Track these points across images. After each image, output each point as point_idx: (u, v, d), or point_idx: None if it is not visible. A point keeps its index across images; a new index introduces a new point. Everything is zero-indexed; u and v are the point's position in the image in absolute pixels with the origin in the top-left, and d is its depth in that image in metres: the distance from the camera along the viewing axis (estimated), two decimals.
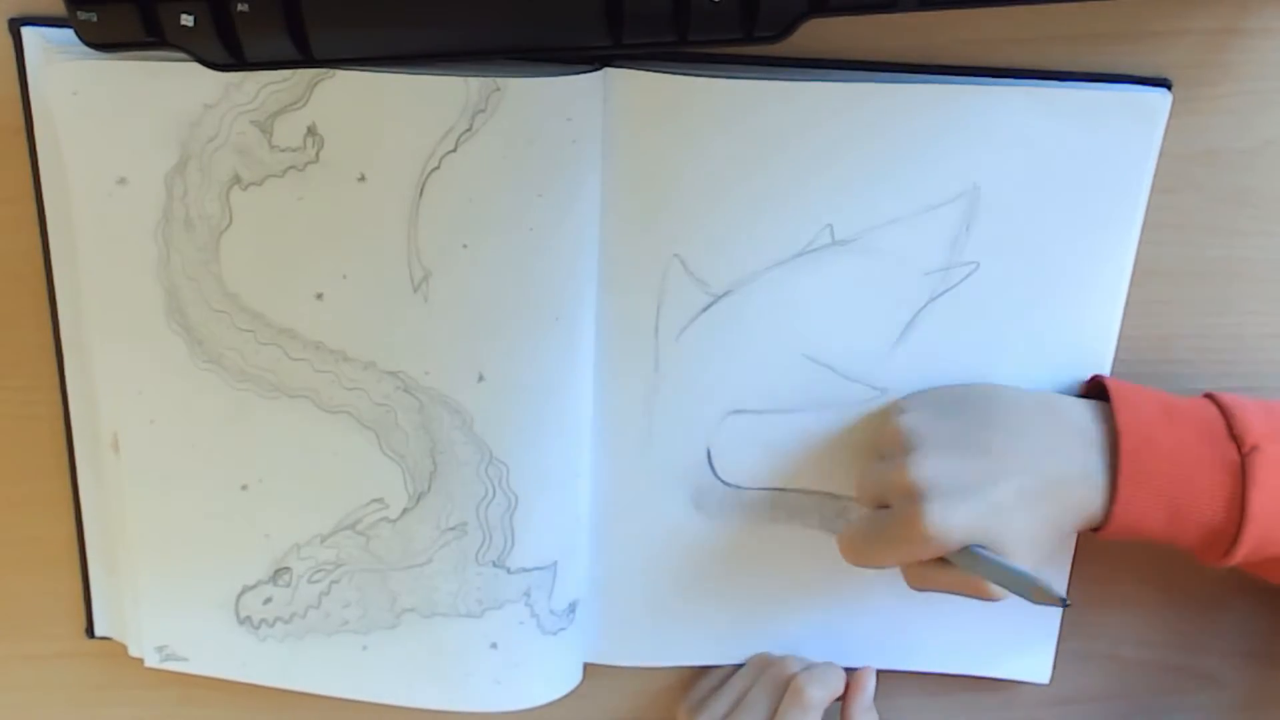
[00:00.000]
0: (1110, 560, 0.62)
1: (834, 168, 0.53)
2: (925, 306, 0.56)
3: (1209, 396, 0.53)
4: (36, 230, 0.55)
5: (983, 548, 0.50)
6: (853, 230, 0.54)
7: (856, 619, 0.62)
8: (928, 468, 0.51)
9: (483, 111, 0.50)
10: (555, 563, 0.59)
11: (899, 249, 0.54)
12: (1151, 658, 0.65)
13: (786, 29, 0.47)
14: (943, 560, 0.52)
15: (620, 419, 0.58)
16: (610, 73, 0.51)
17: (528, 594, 0.59)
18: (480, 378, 0.55)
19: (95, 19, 0.47)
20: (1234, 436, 0.51)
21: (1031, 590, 0.49)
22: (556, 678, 0.62)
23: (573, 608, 0.61)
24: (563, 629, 0.60)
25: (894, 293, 0.55)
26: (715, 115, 0.52)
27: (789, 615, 0.62)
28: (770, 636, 0.62)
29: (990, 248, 0.55)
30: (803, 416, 0.58)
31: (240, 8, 0.46)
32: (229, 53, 0.47)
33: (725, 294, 0.55)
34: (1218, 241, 0.56)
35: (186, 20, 0.46)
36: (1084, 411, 0.53)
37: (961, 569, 0.51)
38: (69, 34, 0.49)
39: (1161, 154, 0.53)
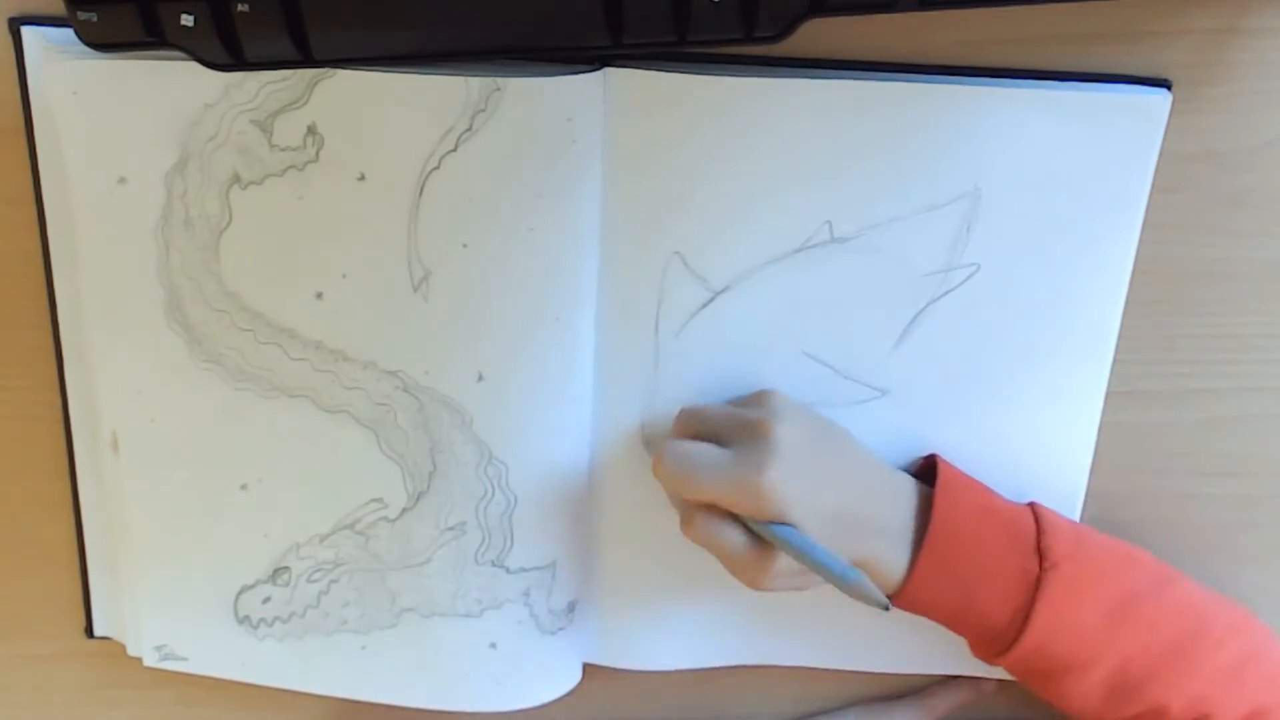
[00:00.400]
0: None
1: (833, 166, 0.53)
2: (925, 308, 0.56)
3: (1031, 506, 0.56)
4: (36, 230, 0.55)
5: (798, 532, 0.51)
6: (852, 228, 0.54)
7: (856, 621, 0.61)
8: (793, 435, 0.52)
9: (483, 111, 0.50)
10: (554, 562, 0.59)
11: (899, 248, 0.54)
12: None
13: (786, 29, 0.47)
14: (733, 522, 0.52)
15: (620, 417, 0.58)
16: (610, 72, 0.51)
17: (527, 594, 0.59)
18: (480, 377, 0.55)
19: (95, 19, 0.47)
20: (1039, 550, 0.53)
21: (852, 587, 0.49)
22: (555, 677, 0.62)
23: (572, 607, 0.61)
24: (562, 628, 0.60)
25: (894, 293, 0.55)
26: (715, 113, 0.52)
27: (788, 617, 0.62)
28: (769, 638, 0.62)
29: (991, 249, 0.55)
30: None
31: (240, 8, 0.46)
32: (229, 53, 0.47)
33: (725, 289, 0.55)
34: (1218, 241, 0.56)
35: (186, 20, 0.46)
36: (909, 486, 0.55)
37: (772, 540, 0.51)
38: (69, 33, 0.49)
39: (1161, 154, 0.53)
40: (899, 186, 0.53)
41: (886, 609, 0.49)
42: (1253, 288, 0.57)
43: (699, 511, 0.53)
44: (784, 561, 0.51)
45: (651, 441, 0.58)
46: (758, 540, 0.52)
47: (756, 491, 0.50)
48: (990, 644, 0.55)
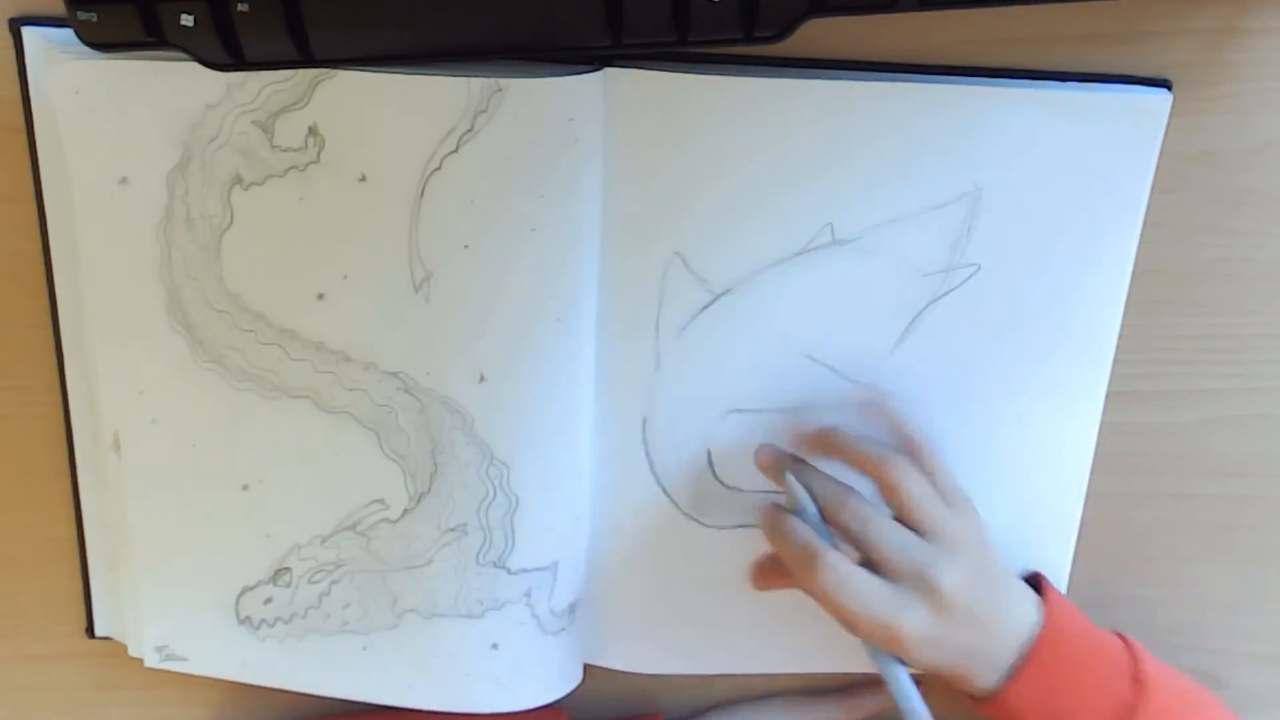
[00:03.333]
0: (1111, 561, 0.62)
1: (834, 167, 0.53)
2: (926, 308, 0.56)
3: (1120, 634, 0.57)
4: (37, 230, 0.55)
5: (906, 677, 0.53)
6: (853, 230, 0.54)
7: None
8: (957, 586, 0.52)
9: (484, 112, 0.50)
10: (556, 563, 0.59)
11: (900, 249, 0.54)
12: None
13: (786, 29, 0.47)
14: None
15: (621, 418, 0.58)
16: (611, 72, 0.51)
17: (528, 594, 0.59)
18: (481, 378, 0.55)
19: (95, 19, 0.46)
20: (1137, 679, 0.54)
21: None
22: (557, 678, 0.62)
23: (573, 608, 0.61)
24: (563, 629, 0.60)
25: (894, 294, 0.55)
26: (716, 114, 0.52)
27: (789, 620, 0.61)
28: (770, 642, 0.62)
29: (991, 250, 0.55)
30: (802, 415, 0.58)
31: (240, 8, 0.46)
32: (229, 53, 0.47)
33: (726, 291, 0.55)
34: (1217, 241, 0.56)
35: (186, 20, 0.46)
36: (1030, 604, 0.56)
37: (880, 669, 0.53)
38: (70, 33, 0.49)
39: (1161, 154, 0.53)
40: (900, 187, 0.53)
41: None
42: (1253, 288, 0.57)
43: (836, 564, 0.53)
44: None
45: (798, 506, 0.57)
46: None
47: (893, 638, 0.51)
48: None
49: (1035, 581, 0.58)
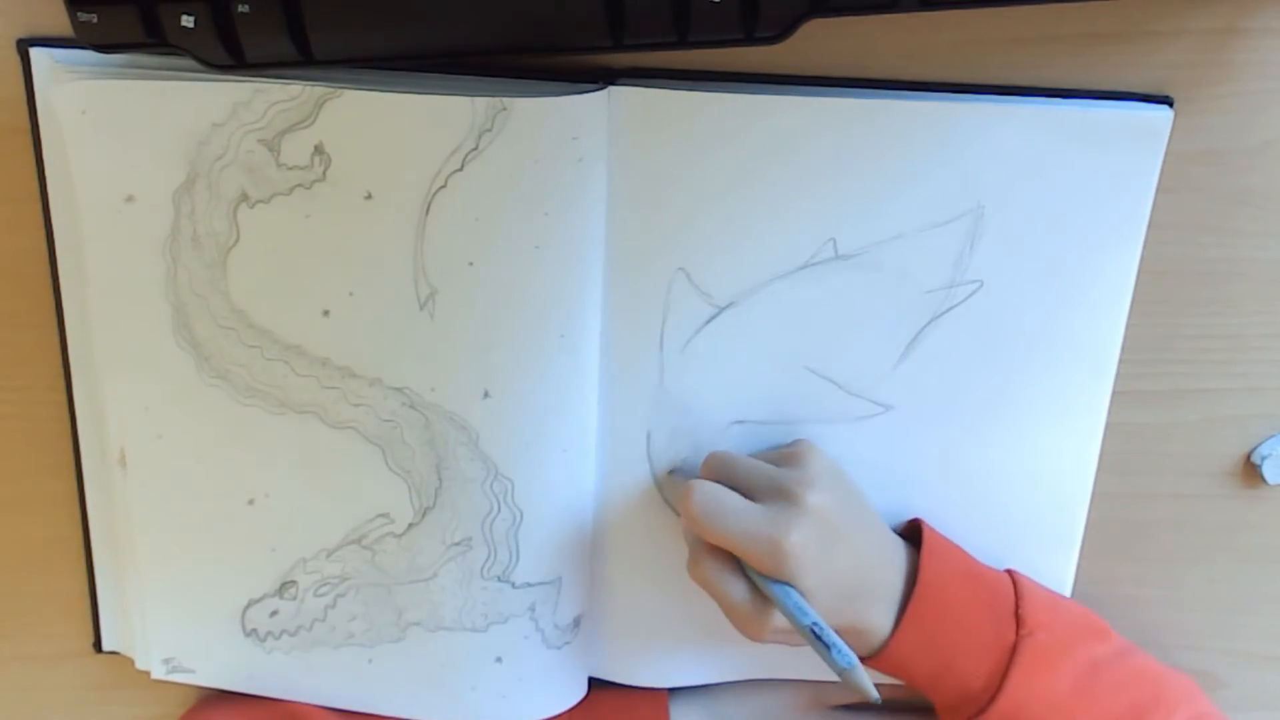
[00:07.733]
0: (1110, 560, 0.63)
1: (838, 182, 0.53)
2: (929, 324, 0.56)
3: (1010, 573, 0.58)
4: (44, 245, 0.55)
5: (803, 597, 0.52)
6: (856, 245, 0.54)
7: None
8: (823, 503, 0.52)
9: (489, 131, 0.51)
10: (560, 577, 0.59)
11: (902, 265, 0.55)
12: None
13: (787, 29, 0.47)
14: (739, 572, 0.53)
15: (625, 432, 0.58)
16: (615, 91, 0.51)
17: (532, 608, 0.59)
18: (486, 394, 0.55)
19: (95, 20, 0.47)
20: (1017, 617, 0.55)
21: (846, 673, 0.50)
22: (561, 691, 0.62)
23: (577, 622, 0.61)
24: (567, 643, 0.61)
25: (897, 309, 0.56)
26: (719, 130, 0.52)
27: None
28: (773, 653, 0.62)
29: (994, 266, 0.55)
30: (805, 429, 0.58)
31: (241, 8, 0.46)
32: (229, 53, 0.48)
33: (729, 305, 0.55)
34: (1218, 241, 0.56)
35: (187, 21, 0.46)
36: (901, 551, 0.56)
37: (774, 600, 0.52)
38: (77, 54, 0.49)
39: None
40: (903, 203, 0.54)
41: (878, 702, 0.50)
42: (1253, 288, 0.57)
43: (709, 555, 0.53)
44: (781, 618, 0.52)
45: (677, 472, 0.59)
46: (759, 593, 0.52)
47: (778, 551, 0.51)
48: (962, 708, 0.55)
49: (915, 527, 0.58)
